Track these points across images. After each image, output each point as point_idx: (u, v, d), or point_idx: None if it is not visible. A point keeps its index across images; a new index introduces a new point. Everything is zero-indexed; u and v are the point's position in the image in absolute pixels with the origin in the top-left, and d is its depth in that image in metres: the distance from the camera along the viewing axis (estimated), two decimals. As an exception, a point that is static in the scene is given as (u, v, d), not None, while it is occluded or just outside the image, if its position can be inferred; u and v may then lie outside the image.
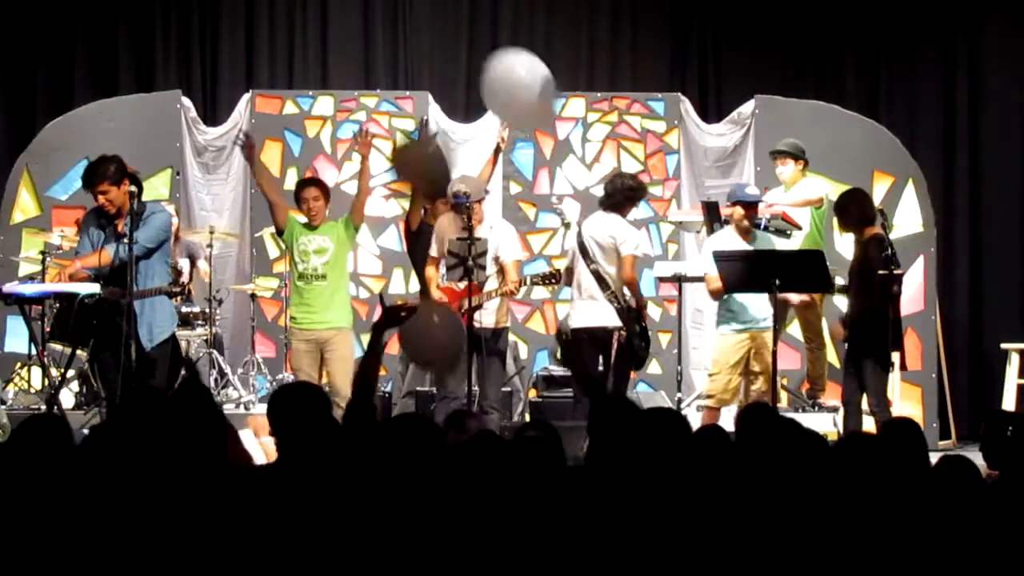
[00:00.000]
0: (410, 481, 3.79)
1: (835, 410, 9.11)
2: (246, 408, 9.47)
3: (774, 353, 8.36)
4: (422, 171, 8.21)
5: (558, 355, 9.83)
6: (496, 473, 3.72)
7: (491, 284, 8.29)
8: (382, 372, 10.05)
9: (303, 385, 5.15)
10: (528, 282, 8.52)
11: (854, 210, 8.10)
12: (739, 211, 8.46)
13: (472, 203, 8.16)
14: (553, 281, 8.57)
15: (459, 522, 3.59)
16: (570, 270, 8.60)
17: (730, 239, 8.52)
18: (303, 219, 8.43)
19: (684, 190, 10.55)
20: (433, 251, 8.57)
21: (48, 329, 8.39)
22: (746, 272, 8.40)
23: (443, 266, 8.46)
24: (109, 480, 3.80)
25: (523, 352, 10.40)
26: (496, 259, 8.32)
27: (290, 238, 8.44)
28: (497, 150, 8.95)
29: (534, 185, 10.63)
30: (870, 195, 8.67)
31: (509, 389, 9.85)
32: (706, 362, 10.45)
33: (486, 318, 8.23)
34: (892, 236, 9.16)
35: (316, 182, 8.74)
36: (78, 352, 8.23)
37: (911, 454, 4.25)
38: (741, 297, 8.37)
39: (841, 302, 9.87)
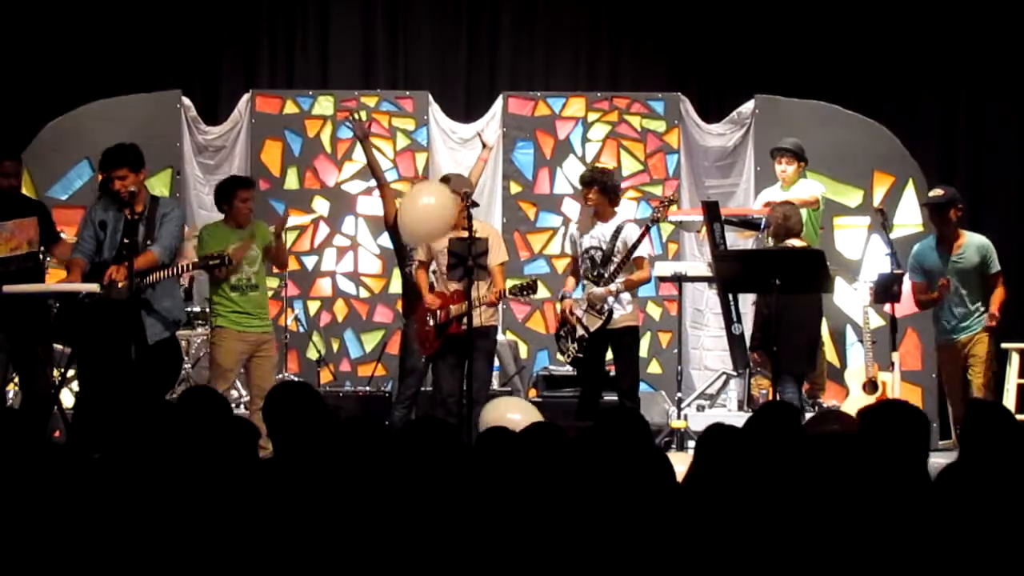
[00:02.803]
0: (422, 482, 3.80)
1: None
2: (246, 408, 9.46)
3: (774, 354, 8.37)
4: None
5: None
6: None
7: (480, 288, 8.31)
8: (381, 372, 10.14)
9: (298, 384, 5.17)
10: (506, 294, 8.45)
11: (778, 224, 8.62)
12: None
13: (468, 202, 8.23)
14: (530, 292, 8.54)
15: (464, 521, 3.60)
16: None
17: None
18: (225, 225, 8.43)
19: (684, 190, 10.55)
20: (421, 255, 8.56)
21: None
22: (746, 272, 8.40)
23: (434, 267, 8.49)
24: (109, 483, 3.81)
25: (523, 352, 10.41)
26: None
27: (214, 246, 8.29)
28: (485, 149, 9.01)
29: (534, 185, 10.63)
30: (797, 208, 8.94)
31: (509, 389, 9.86)
32: (706, 362, 10.50)
33: (474, 319, 8.24)
34: (892, 236, 9.20)
35: (253, 183, 8.77)
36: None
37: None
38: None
39: (842, 302, 9.90)
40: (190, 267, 7.86)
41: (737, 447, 3.92)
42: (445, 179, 8.58)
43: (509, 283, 8.61)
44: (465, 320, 8.03)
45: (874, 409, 4.38)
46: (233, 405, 9.74)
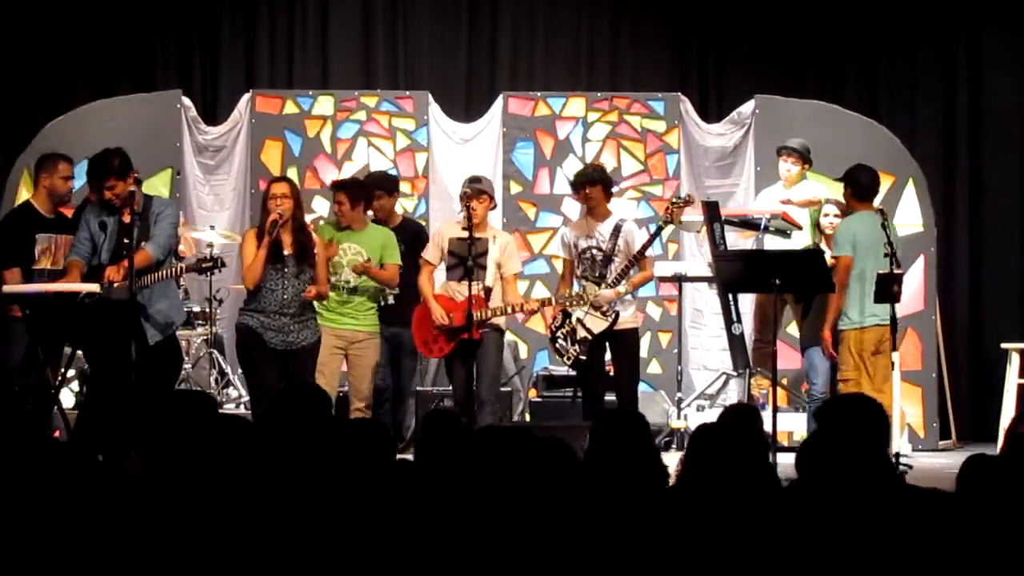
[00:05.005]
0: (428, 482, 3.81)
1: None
2: (246, 408, 9.46)
3: (773, 353, 8.37)
4: None
5: None
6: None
7: (494, 295, 8.33)
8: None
9: (302, 386, 5.17)
10: (555, 302, 8.47)
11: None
12: None
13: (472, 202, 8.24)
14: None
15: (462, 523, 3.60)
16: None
17: None
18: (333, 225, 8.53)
19: (684, 190, 10.54)
20: (428, 254, 8.53)
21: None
22: (746, 272, 8.40)
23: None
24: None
25: (523, 352, 10.40)
26: (498, 268, 8.35)
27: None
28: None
29: (534, 185, 10.63)
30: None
31: (509, 389, 9.86)
32: (705, 361, 10.50)
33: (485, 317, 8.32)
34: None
35: (344, 185, 8.71)
36: (78, 352, 8.24)
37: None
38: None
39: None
40: (182, 269, 7.84)
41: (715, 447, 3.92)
42: (477, 179, 8.55)
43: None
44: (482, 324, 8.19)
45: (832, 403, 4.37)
46: (233, 405, 9.78)
